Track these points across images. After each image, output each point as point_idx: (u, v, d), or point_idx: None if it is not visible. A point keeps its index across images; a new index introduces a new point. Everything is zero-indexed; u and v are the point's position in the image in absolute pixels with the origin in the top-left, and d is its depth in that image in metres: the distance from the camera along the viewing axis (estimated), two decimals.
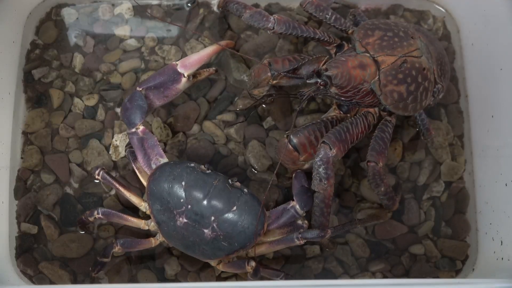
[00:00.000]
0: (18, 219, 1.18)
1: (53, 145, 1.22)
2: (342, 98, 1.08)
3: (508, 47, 1.14)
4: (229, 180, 1.03)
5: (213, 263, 1.09)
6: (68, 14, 1.31)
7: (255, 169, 1.21)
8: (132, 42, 1.29)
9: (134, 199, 1.10)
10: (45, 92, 1.25)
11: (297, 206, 1.06)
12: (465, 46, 1.29)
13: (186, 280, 1.14)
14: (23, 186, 1.20)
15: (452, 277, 1.18)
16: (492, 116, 1.18)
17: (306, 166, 1.12)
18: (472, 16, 1.26)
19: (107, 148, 1.22)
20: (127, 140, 1.20)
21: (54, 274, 1.15)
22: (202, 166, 1.04)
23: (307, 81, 1.07)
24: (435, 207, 1.21)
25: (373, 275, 1.16)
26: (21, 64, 1.26)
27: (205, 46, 1.28)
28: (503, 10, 1.15)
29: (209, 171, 1.04)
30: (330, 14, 1.15)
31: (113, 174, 1.20)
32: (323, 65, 1.08)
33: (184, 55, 1.27)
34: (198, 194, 1.01)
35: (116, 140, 1.21)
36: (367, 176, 1.08)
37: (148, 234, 1.13)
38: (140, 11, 1.31)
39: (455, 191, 1.23)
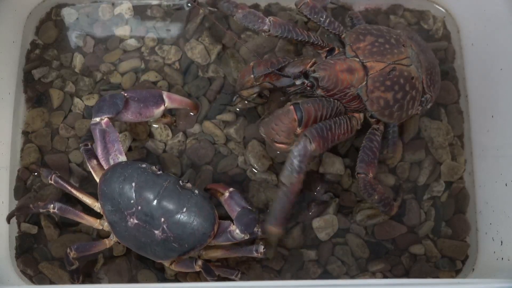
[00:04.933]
0: (18, 219, 1.18)
1: (53, 145, 1.22)
2: None
3: (508, 47, 1.13)
4: (180, 181, 1.03)
5: (166, 263, 1.08)
6: (68, 14, 1.31)
7: (255, 169, 1.21)
8: (132, 42, 1.29)
9: (87, 199, 1.10)
10: (45, 92, 1.25)
11: (237, 231, 1.02)
12: (465, 46, 1.29)
13: (185, 280, 1.14)
14: (23, 186, 1.20)
15: (452, 277, 1.18)
16: (492, 116, 1.18)
17: (292, 146, 1.07)
18: (472, 16, 1.26)
19: None
20: (126, 140, 1.21)
21: (54, 274, 1.15)
22: (154, 167, 1.03)
23: (294, 81, 1.06)
24: (435, 207, 1.21)
25: (373, 275, 1.16)
26: (21, 64, 1.26)
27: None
28: (503, 10, 1.15)
29: (160, 172, 1.03)
30: (324, 17, 1.14)
31: None
32: (311, 66, 1.08)
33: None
34: (148, 195, 1.00)
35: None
36: (358, 187, 1.07)
37: (103, 235, 1.13)
38: (140, 11, 1.31)
39: (455, 191, 1.22)
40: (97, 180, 1.08)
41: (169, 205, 1.00)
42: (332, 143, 1.05)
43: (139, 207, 1.00)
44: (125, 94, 1.11)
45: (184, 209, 1.00)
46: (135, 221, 1.01)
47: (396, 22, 1.31)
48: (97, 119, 1.08)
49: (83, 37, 1.29)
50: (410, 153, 1.23)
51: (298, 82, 1.07)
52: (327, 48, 1.15)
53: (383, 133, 1.13)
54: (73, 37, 1.29)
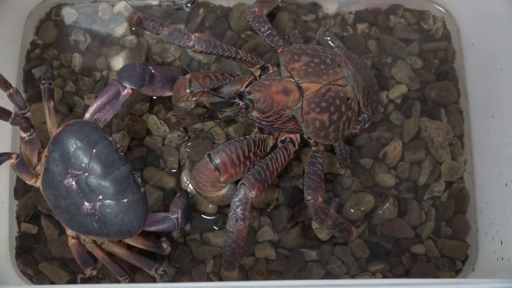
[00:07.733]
0: (18, 219, 1.18)
1: None
2: (264, 123, 1.06)
3: (508, 47, 1.14)
4: (134, 172, 1.03)
5: (69, 231, 1.07)
6: (68, 14, 1.31)
7: None
8: (132, 40, 1.29)
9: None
10: None
11: (181, 220, 1.10)
12: (465, 46, 1.29)
13: (181, 280, 1.14)
14: (23, 186, 1.20)
15: (452, 277, 1.18)
16: (492, 116, 1.18)
17: (224, 191, 1.08)
18: (472, 16, 1.26)
19: None
20: (125, 139, 1.21)
21: (54, 274, 1.15)
22: (118, 145, 1.03)
23: (229, 102, 1.04)
24: (435, 207, 1.21)
25: (373, 275, 1.16)
26: (21, 64, 1.26)
27: None
28: (503, 10, 1.15)
29: (122, 153, 1.03)
30: (266, 28, 1.15)
31: None
32: (247, 87, 1.06)
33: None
34: (101, 170, 0.99)
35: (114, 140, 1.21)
36: (309, 214, 1.06)
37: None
38: (140, 10, 1.31)
39: (455, 191, 1.23)
40: (48, 122, 1.08)
41: (114, 189, 0.99)
42: (272, 179, 1.06)
43: (86, 174, 0.99)
44: (153, 71, 1.13)
45: (125, 200, 1.00)
46: (73, 183, 0.99)
47: (396, 22, 1.31)
48: (124, 84, 1.09)
49: (83, 37, 1.29)
50: (410, 153, 1.23)
51: (233, 101, 1.04)
52: (259, 66, 1.15)
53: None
54: (73, 37, 1.29)
